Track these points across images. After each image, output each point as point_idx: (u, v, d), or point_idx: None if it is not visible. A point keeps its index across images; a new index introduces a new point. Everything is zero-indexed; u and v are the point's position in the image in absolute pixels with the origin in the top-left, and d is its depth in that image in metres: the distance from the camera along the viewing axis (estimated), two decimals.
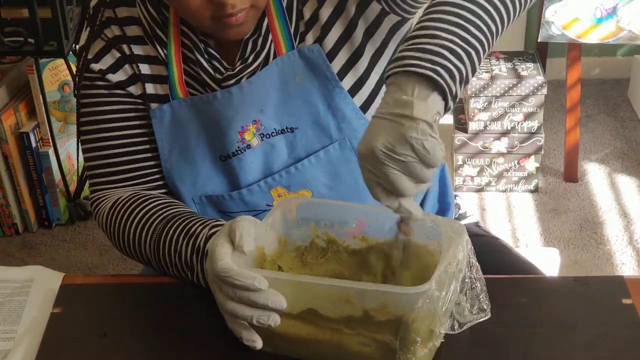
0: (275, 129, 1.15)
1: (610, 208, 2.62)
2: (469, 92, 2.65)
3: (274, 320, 0.90)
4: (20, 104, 2.53)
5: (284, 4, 1.11)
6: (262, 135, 1.15)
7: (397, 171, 0.86)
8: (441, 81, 0.86)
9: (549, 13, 2.53)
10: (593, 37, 2.54)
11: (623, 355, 0.94)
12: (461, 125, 2.74)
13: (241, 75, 1.11)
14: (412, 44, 0.89)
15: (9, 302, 1.09)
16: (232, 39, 1.09)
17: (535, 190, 2.73)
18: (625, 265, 2.37)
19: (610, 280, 1.09)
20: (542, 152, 2.69)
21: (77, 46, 1.21)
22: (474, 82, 2.62)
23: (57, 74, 2.56)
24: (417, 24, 0.92)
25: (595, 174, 2.79)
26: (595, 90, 3.30)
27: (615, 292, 1.03)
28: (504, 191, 2.75)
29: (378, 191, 0.88)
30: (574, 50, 2.62)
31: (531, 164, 2.70)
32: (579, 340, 0.97)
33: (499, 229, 2.54)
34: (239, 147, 1.15)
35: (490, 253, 1.27)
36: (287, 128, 1.15)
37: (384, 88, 1.11)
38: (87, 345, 1.00)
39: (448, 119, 3.00)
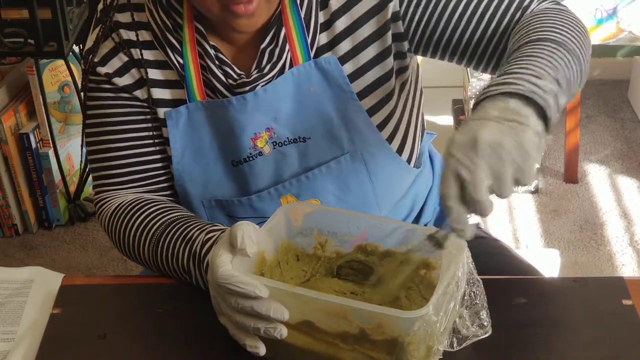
0: (287, 137, 1.15)
1: (610, 209, 2.62)
2: (469, 93, 2.65)
3: (280, 332, 0.89)
4: (20, 105, 2.53)
5: (302, 14, 1.11)
6: (274, 144, 1.15)
7: (486, 171, 0.83)
8: (547, 110, 0.93)
9: None
10: (593, 38, 2.54)
11: (623, 355, 0.94)
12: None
13: (257, 83, 1.11)
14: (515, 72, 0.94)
15: (8, 303, 1.09)
16: (243, 30, 1.07)
17: (535, 192, 2.73)
18: (625, 267, 2.37)
19: (610, 281, 1.09)
20: (542, 153, 2.69)
21: (83, 49, 1.19)
22: (474, 83, 2.62)
23: (57, 75, 2.56)
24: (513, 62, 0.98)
25: (595, 175, 2.79)
26: (596, 91, 3.30)
27: (616, 293, 1.03)
28: None
29: (452, 187, 0.84)
30: None
31: None
32: (579, 341, 0.97)
33: (499, 230, 2.54)
34: (250, 154, 1.15)
35: (491, 255, 1.27)
36: (299, 137, 1.15)
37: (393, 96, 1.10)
38: (86, 346, 1.00)
39: (448, 120, 3.00)
